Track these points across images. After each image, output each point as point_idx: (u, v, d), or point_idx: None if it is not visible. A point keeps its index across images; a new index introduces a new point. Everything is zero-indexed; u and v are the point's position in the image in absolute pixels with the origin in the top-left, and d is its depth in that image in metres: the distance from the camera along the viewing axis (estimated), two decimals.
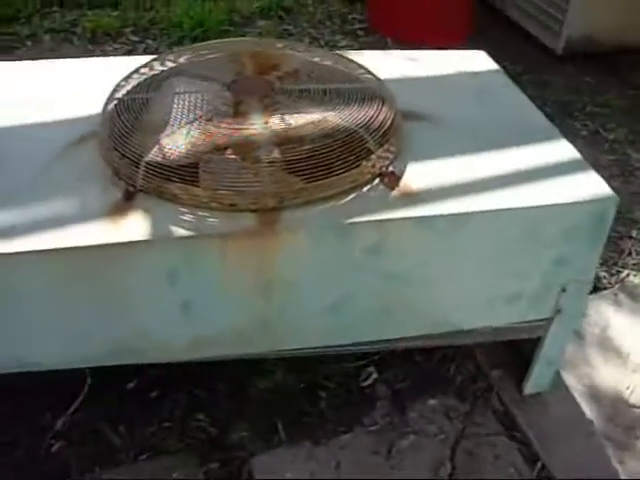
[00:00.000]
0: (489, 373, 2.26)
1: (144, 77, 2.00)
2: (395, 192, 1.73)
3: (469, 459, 2.05)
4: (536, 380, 2.14)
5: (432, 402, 2.18)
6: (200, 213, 1.64)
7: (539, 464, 2.04)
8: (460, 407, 2.17)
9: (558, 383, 2.23)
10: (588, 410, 2.17)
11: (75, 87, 2.10)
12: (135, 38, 3.70)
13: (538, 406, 2.18)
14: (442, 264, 1.76)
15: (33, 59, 2.23)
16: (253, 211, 1.65)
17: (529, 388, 2.16)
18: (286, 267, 1.67)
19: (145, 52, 3.57)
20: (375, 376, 2.23)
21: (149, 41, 3.68)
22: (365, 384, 2.21)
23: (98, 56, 3.45)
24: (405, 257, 1.72)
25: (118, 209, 1.66)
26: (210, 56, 2.04)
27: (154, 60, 2.06)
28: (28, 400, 2.10)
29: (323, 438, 2.06)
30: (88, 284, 1.63)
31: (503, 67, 2.34)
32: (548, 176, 1.81)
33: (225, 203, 1.64)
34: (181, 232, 1.60)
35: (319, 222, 1.65)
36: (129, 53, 3.58)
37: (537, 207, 1.72)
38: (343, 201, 1.70)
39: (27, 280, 1.60)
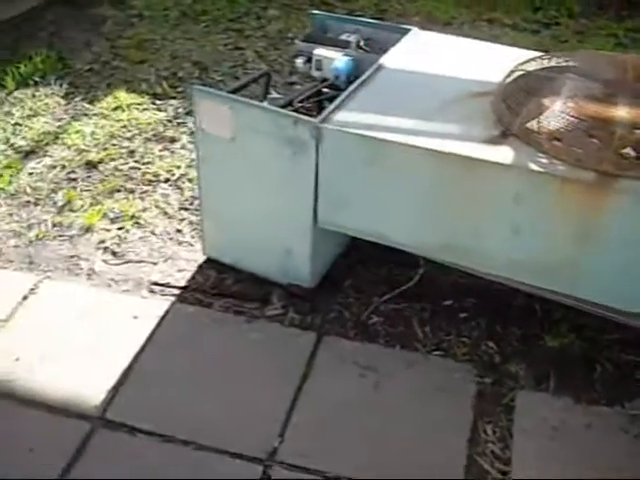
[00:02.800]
0: None
1: (534, 64, 2.47)
2: None
3: None
4: None
5: None
6: (554, 161, 2.06)
7: None
8: None
9: None
10: None
11: (478, 61, 2.63)
12: None
13: None
14: None
15: None
16: (594, 170, 2.02)
17: None
18: (608, 222, 2.01)
19: None
20: None
21: None
22: None
23: None
24: None
25: (493, 142, 2.15)
26: (596, 58, 2.44)
27: (546, 54, 2.52)
28: (367, 277, 2.70)
29: (585, 400, 2.33)
30: (453, 186, 2.15)
31: None
32: None
33: (574, 158, 2.04)
34: (533, 167, 2.04)
35: None
36: None
37: None
38: None
39: (413, 169, 2.16)
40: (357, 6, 4.64)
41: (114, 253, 2.83)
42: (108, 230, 2.94)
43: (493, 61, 2.61)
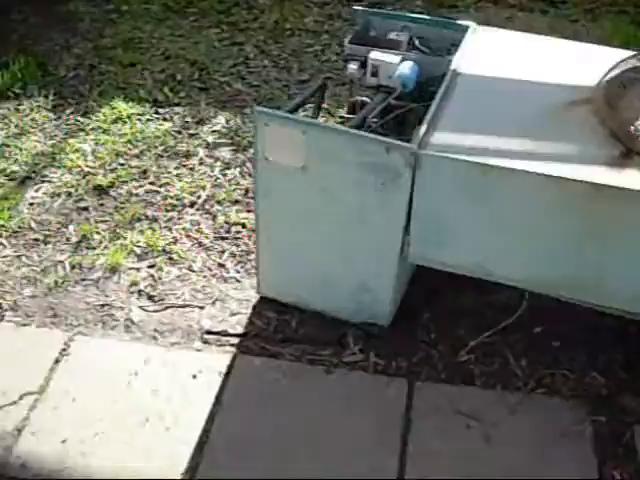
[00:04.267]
0: None
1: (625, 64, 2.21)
2: None
3: None
4: None
5: None
6: None
7: None
8: None
9: None
10: None
11: (558, 61, 2.35)
12: None
13: None
14: None
15: None
16: None
17: None
18: None
19: None
20: None
21: None
22: None
23: None
24: None
25: (617, 163, 1.88)
26: None
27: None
28: (445, 307, 2.42)
29: None
30: (576, 215, 1.88)
31: None
32: None
33: None
34: None
35: None
36: None
37: None
38: None
39: (529, 198, 1.88)
40: None
41: (151, 297, 2.48)
42: (138, 269, 2.58)
43: (574, 60, 2.34)
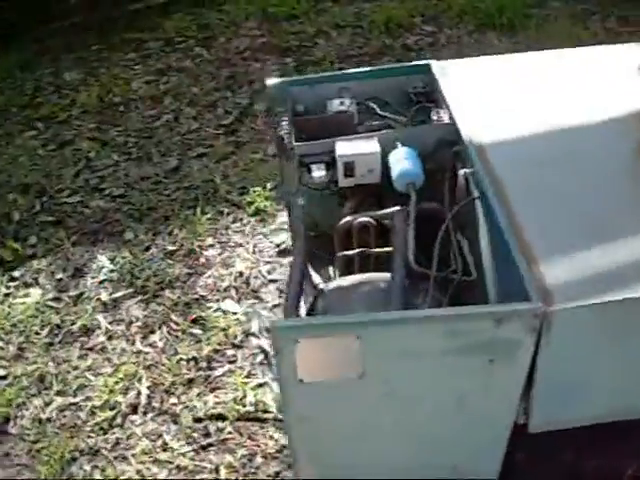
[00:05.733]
0: None
1: None
2: None
3: None
4: None
5: None
6: None
7: None
8: None
9: None
10: None
11: (572, 85, 1.83)
12: (429, 28, 3.45)
13: None
14: None
15: None
16: None
17: None
18: None
19: (449, 42, 3.31)
20: None
21: (447, 30, 3.42)
22: None
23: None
24: None
25: None
26: None
27: None
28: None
29: None
30: None
31: None
32: None
33: None
34: None
35: None
36: (432, 45, 3.32)
37: None
38: None
39: None
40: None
41: None
42: None
43: (593, 77, 1.83)
